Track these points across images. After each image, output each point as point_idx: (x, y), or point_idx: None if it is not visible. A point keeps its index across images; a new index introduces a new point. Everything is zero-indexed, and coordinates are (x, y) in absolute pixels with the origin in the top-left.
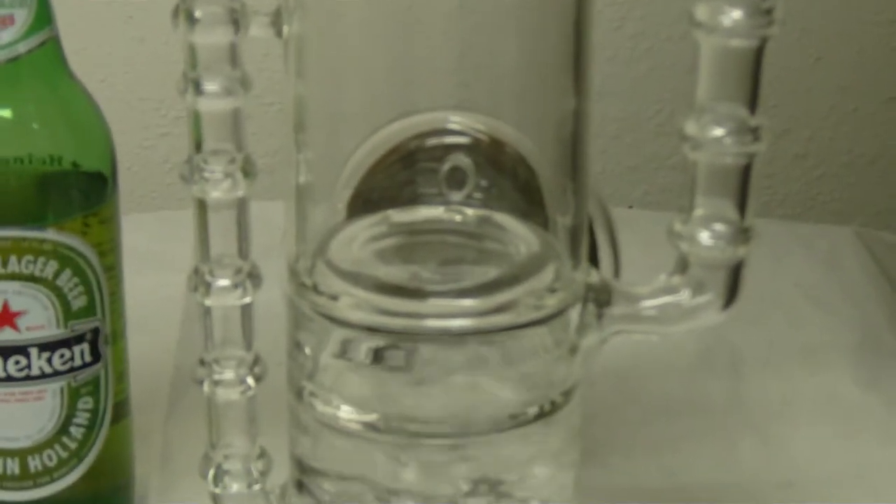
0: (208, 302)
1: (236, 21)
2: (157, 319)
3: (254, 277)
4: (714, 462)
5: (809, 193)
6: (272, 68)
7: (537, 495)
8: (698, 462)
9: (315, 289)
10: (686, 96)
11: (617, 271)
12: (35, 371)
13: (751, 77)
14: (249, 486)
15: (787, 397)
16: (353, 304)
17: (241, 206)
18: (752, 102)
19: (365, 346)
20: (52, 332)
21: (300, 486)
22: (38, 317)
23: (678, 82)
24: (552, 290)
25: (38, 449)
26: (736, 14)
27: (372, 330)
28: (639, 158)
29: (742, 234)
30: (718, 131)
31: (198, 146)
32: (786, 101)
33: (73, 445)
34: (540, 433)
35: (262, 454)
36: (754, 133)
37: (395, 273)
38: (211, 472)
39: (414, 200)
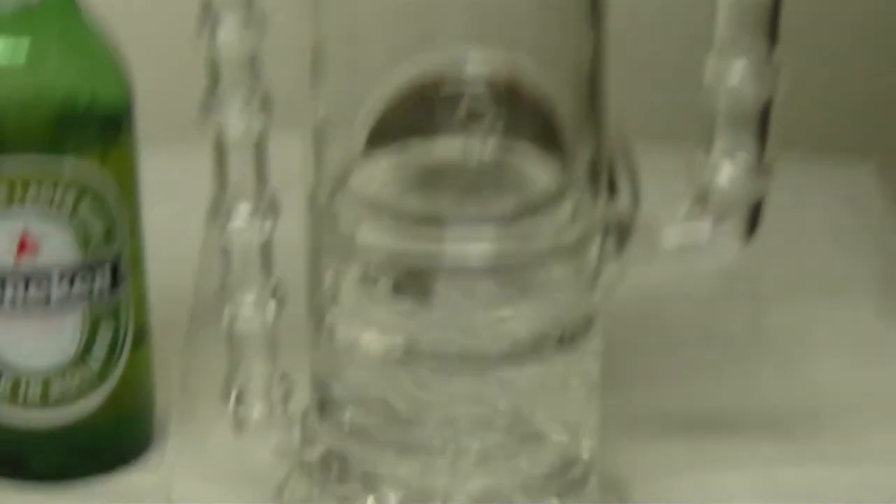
0: (227, 232)
1: None
2: (177, 247)
3: (273, 207)
4: (735, 391)
5: (831, 129)
6: (290, 4)
7: (559, 424)
8: (719, 390)
9: (335, 218)
10: (708, 32)
11: (636, 204)
12: (56, 297)
13: (771, 12)
14: (270, 409)
15: (808, 328)
16: (374, 232)
17: (260, 139)
18: (773, 38)
19: (385, 274)
20: (74, 258)
21: (321, 411)
22: (58, 244)
23: (700, 17)
24: (572, 222)
25: (59, 373)
26: None
27: (392, 258)
28: (661, 93)
29: (762, 168)
30: (739, 66)
31: (215, 81)
32: (806, 37)
33: (94, 370)
34: (560, 363)
35: (283, 378)
36: (774, 68)
37: (414, 202)
38: (232, 397)
39: (434, 131)
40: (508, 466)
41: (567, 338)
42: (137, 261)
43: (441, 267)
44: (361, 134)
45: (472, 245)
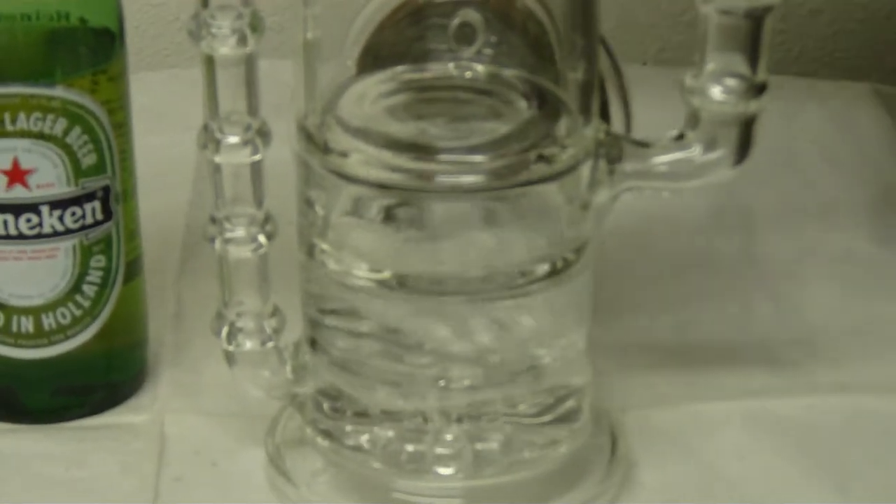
0: (218, 159)
1: None
2: (169, 178)
3: (263, 134)
4: (726, 319)
5: (825, 50)
6: None
7: (550, 351)
8: (710, 319)
9: (325, 146)
10: None
11: (628, 128)
12: (47, 229)
13: None
14: (262, 343)
15: (800, 254)
16: (364, 160)
17: (250, 62)
18: None
19: (376, 204)
20: (63, 189)
21: (313, 344)
22: (48, 174)
23: None
24: (563, 146)
25: (51, 307)
26: None
27: (383, 187)
28: (653, 15)
29: (754, 89)
30: None
31: (205, 2)
32: None
33: (86, 303)
34: (552, 291)
35: (275, 312)
36: None
37: (405, 129)
38: (224, 330)
39: (424, 57)
40: (501, 399)
41: (559, 265)
42: (129, 191)
43: (431, 194)
44: (351, 57)
45: (462, 173)
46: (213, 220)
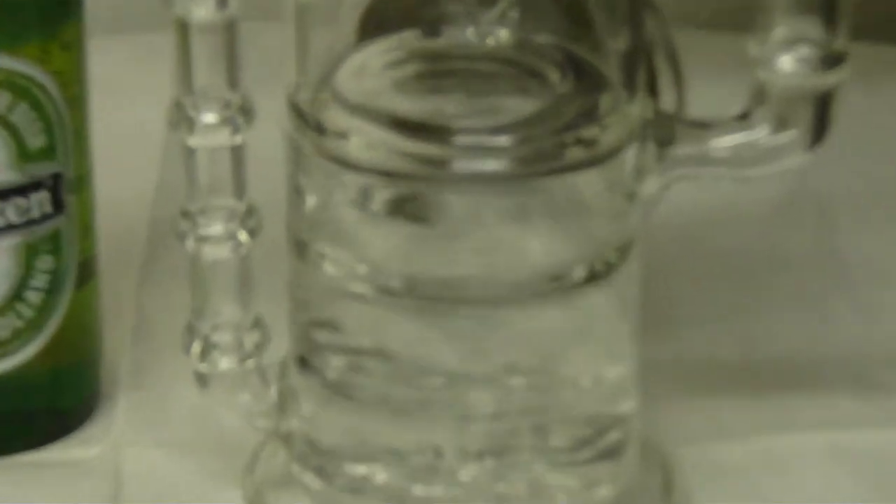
0: (192, 141)
1: None
2: (131, 163)
3: (245, 112)
4: (803, 332)
5: None
6: None
7: (587, 374)
8: (783, 333)
9: (320, 126)
10: None
11: (681, 104)
12: None
13: None
14: (242, 362)
15: (888, 252)
16: (366, 144)
17: (230, 27)
18: None
19: (380, 195)
20: (6, 177)
21: (303, 363)
22: None
23: None
24: (603, 127)
25: None
26: None
27: (389, 175)
28: None
29: (831, 59)
30: None
31: None
32: None
33: (29, 313)
34: (590, 299)
35: (258, 324)
36: None
37: (415, 107)
38: (195, 347)
39: (438, 20)
40: (528, 430)
41: (598, 268)
42: (84, 179)
43: (447, 184)
44: (351, 22)
45: (483, 158)
46: (185, 214)
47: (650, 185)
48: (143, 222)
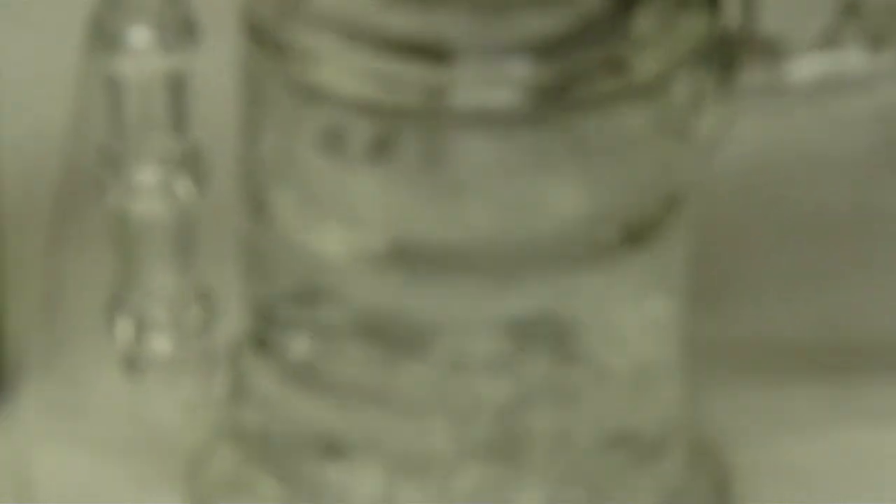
0: (117, 66)
1: None
2: (38, 95)
3: (187, 28)
4: (893, 308)
5: None
6: None
7: (621, 356)
8: (870, 307)
9: (286, 47)
10: None
11: (750, 19)
12: None
13: None
14: (181, 343)
15: None
16: (344, 69)
17: None
18: None
19: (360, 135)
20: None
21: (259, 344)
22: None
23: None
24: (643, 48)
25: None
26: None
27: (373, 109)
28: None
29: None
30: None
31: None
32: None
33: None
34: (629, 264)
35: (201, 296)
36: None
37: (408, 24)
38: (122, 324)
39: None
40: (546, 425)
41: (638, 227)
42: None
43: (447, 120)
44: None
45: (493, 87)
46: (108, 159)
47: (707, 123)
48: (53, 168)
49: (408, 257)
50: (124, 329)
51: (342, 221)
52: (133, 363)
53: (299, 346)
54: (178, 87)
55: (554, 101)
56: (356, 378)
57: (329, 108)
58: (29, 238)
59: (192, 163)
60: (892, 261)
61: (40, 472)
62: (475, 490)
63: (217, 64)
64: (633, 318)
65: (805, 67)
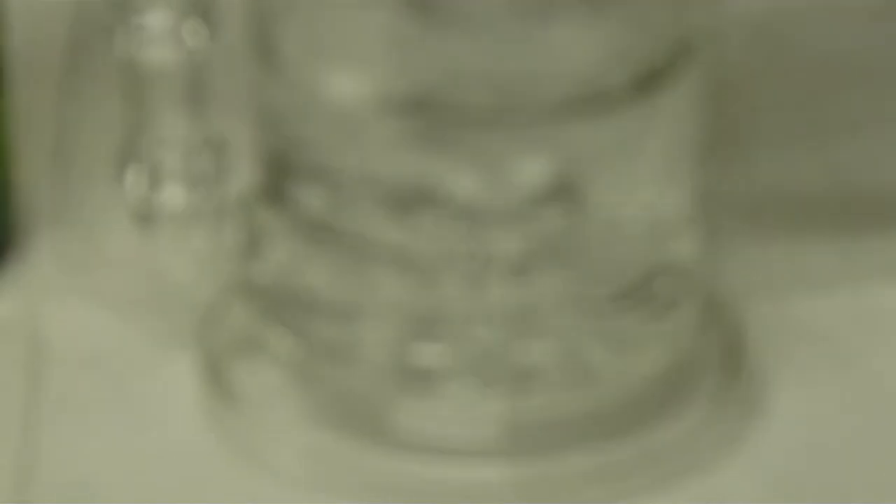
0: None
1: None
2: None
3: None
4: None
5: None
6: None
7: (632, 206)
8: (886, 159)
9: None
10: None
11: None
12: None
13: None
14: (193, 193)
15: None
16: None
17: None
18: None
19: None
20: None
21: (274, 193)
22: None
23: None
24: None
25: None
26: None
27: None
28: None
29: None
30: None
31: None
32: None
33: None
34: (642, 111)
35: (213, 144)
36: None
37: None
38: (133, 173)
39: None
40: (558, 279)
41: (648, 73)
42: None
43: None
44: None
45: None
46: (116, 5)
47: None
48: (61, 18)
49: (416, 105)
50: (135, 180)
51: (350, 65)
52: (144, 214)
53: (313, 196)
54: None
55: None
56: (370, 230)
57: None
58: (39, 88)
59: (202, 8)
60: None
61: (51, 328)
62: (488, 349)
63: None
64: (645, 170)
65: None
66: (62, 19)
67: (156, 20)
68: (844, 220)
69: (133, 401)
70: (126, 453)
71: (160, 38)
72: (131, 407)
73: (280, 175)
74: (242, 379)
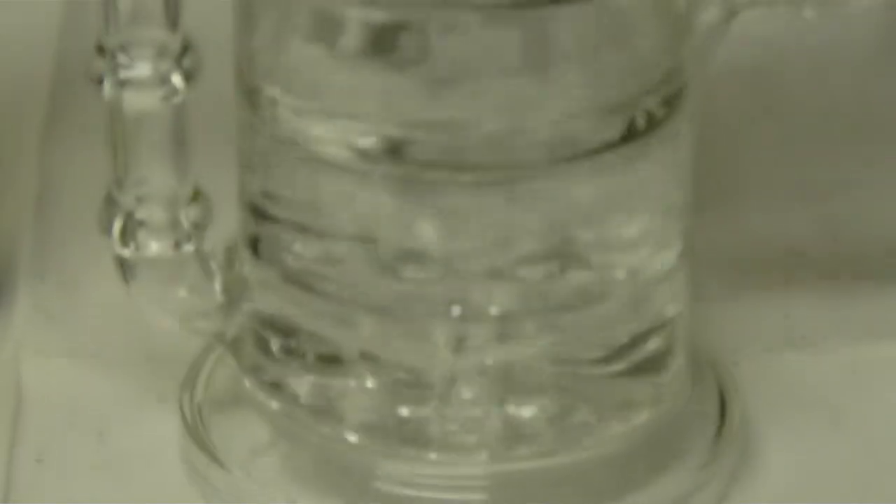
0: None
1: None
2: None
3: None
4: None
5: None
6: None
7: (620, 262)
8: (881, 215)
9: None
10: None
11: None
12: None
13: None
14: (177, 245)
15: None
16: None
17: None
18: None
19: (357, 23)
20: None
21: (256, 248)
22: None
23: None
24: None
25: None
26: None
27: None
28: None
29: None
30: None
31: None
32: None
33: None
34: (629, 163)
35: (197, 197)
36: None
37: None
38: (117, 225)
39: None
40: (546, 335)
41: (640, 123)
42: None
43: (446, 9)
44: None
45: None
46: (102, 51)
47: (710, 14)
48: (47, 62)
49: (403, 156)
50: (118, 231)
51: (335, 117)
52: (127, 267)
53: (295, 250)
54: None
55: None
56: (353, 283)
57: None
58: (21, 133)
59: (185, 55)
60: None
61: (32, 383)
62: (473, 400)
63: None
64: (632, 222)
65: None
66: (44, 67)
67: (140, 67)
68: (836, 275)
69: (115, 456)
70: None
71: (145, 83)
72: (113, 462)
73: (261, 228)
74: (226, 435)
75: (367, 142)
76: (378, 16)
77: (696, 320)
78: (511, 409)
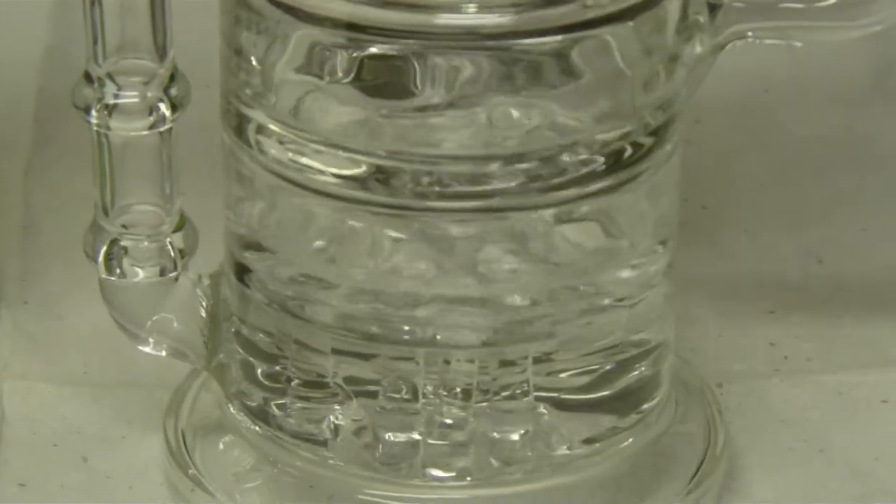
0: None
1: None
2: (14, 14)
3: None
4: (889, 246)
5: None
6: None
7: (610, 286)
8: (864, 245)
9: None
10: None
11: None
12: None
13: None
14: (163, 272)
15: None
16: None
17: None
18: None
19: (345, 55)
20: None
21: (241, 275)
22: None
23: None
24: None
25: None
26: None
27: (357, 28)
28: None
29: None
30: None
31: None
32: None
33: None
34: (617, 192)
35: (183, 224)
36: None
37: None
38: (102, 252)
39: None
40: (530, 361)
41: (627, 154)
42: None
43: (433, 42)
44: None
45: (478, 9)
46: (89, 79)
47: (698, 47)
48: (31, 92)
49: (391, 185)
50: (103, 258)
51: (324, 146)
52: (112, 294)
53: (282, 276)
54: (159, 4)
55: (541, 22)
56: (338, 310)
57: (311, 28)
58: (6, 161)
59: (173, 84)
60: (881, 198)
61: (15, 408)
62: (457, 425)
63: None
64: (619, 251)
65: None
66: (30, 94)
67: (128, 95)
68: (821, 303)
69: (98, 481)
70: None
71: (133, 112)
72: (96, 487)
73: (247, 256)
74: (210, 460)
75: (354, 169)
76: (366, 47)
77: (683, 346)
78: (495, 435)
